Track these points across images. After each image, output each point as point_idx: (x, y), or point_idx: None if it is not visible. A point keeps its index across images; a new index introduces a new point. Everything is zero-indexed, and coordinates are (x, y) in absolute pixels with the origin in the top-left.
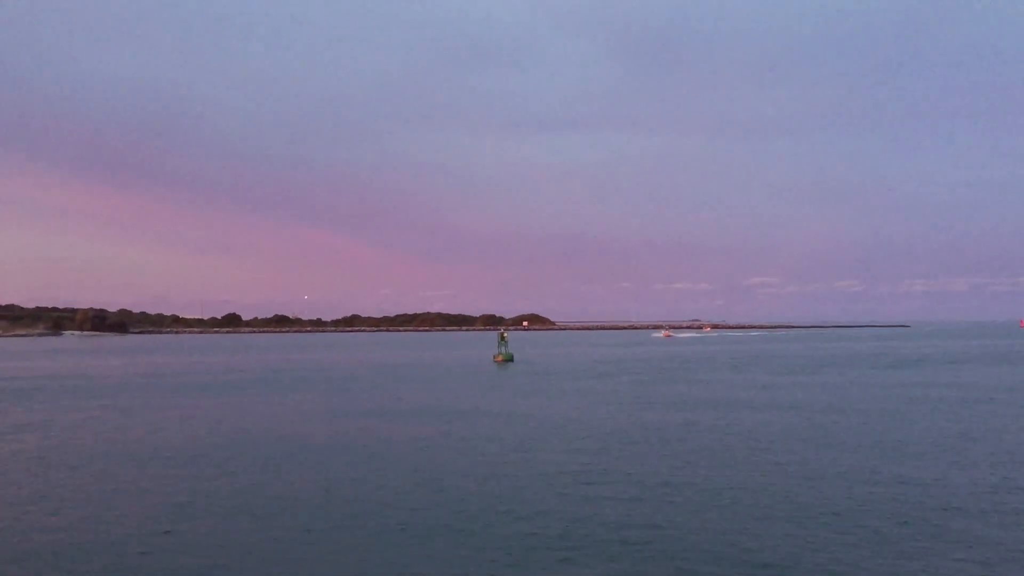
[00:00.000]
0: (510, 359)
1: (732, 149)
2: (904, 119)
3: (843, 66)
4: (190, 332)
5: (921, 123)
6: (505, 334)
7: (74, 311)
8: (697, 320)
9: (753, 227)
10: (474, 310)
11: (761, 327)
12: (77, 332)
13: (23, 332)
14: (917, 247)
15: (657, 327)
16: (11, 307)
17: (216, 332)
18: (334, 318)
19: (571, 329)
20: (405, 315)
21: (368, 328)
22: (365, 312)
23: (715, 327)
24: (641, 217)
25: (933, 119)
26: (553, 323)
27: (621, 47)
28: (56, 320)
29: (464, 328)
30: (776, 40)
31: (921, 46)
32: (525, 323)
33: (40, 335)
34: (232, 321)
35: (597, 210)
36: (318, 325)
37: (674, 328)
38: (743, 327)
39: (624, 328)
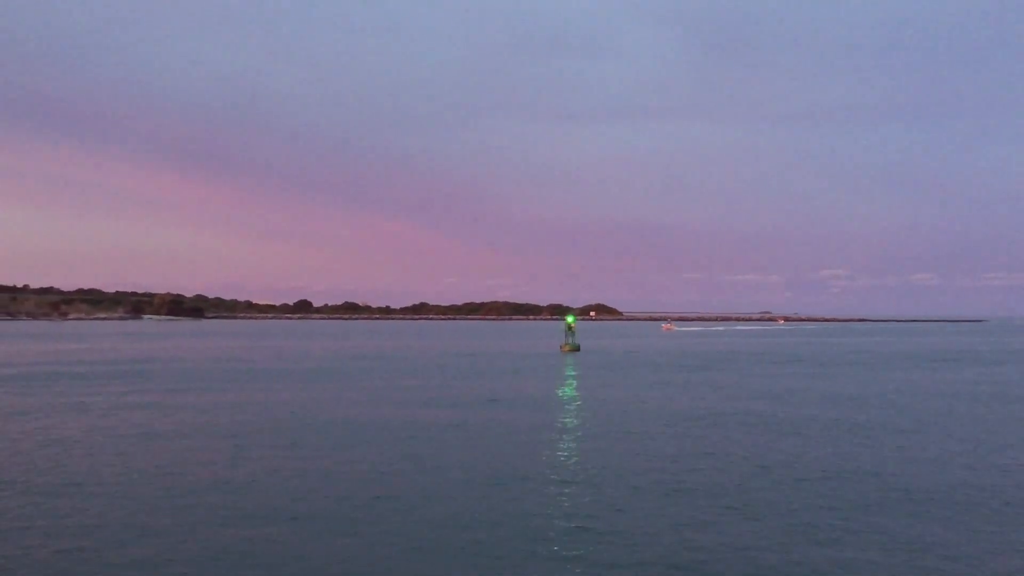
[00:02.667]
0: (577, 349)
1: (806, 139)
2: (985, 109)
3: (923, 55)
4: (263, 317)
5: (1002, 113)
6: (573, 324)
7: (152, 296)
8: (767, 312)
9: (826, 218)
10: (541, 299)
11: (833, 320)
12: (155, 316)
13: (104, 315)
14: (996, 240)
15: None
16: (93, 291)
17: (288, 318)
18: (402, 305)
19: (638, 320)
20: (472, 303)
21: (436, 316)
22: (433, 300)
23: (787, 319)
24: (711, 207)
25: (1014, 109)
26: (620, 313)
27: (694, 36)
28: (135, 304)
29: (531, 317)
30: (853, 29)
31: (1003, 35)
32: (592, 313)
33: (120, 319)
34: (303, 307)
35: (667, 200)
36: (386, 312)
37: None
38: (814, 320)
39: (692, 320)
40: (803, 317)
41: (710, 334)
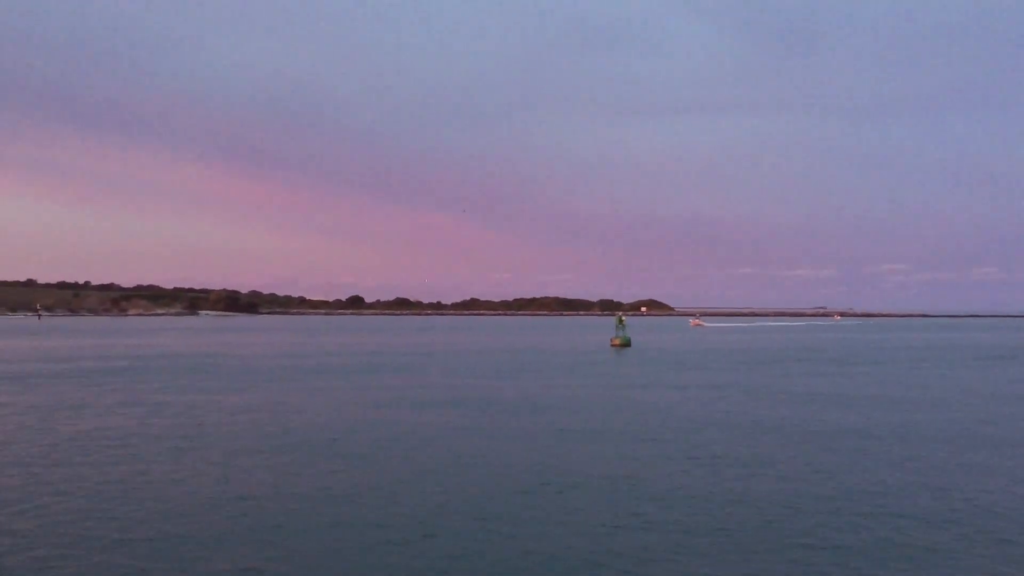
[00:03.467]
0: (627, 343)
1: (861, 131)
2: None
3: (983, 45)
4: (316, 313)
5: None
6: (623, 318)
7: (208, 292)
8: (822, 307)
9: (882, 212)
10: (591, 295)
11: (890, 315)
12: (211, 312)
13: (162, 311)
14: None
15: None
16: (152, 287)
17: (340, 313)
18: (453, 301)
19: (689, 316)
20: (523, 299)
21: (487, 312)
22: (484, 296)
23: (843, 314)
24: (764, 201)
25: None
26: (672, 309)
27: (745, 29)
28: (192, 300)
29: (581, 313)
30: (910, 18)
31: None
32: (643, 308)
33: (177, 314)
34: (355, 303)
35: (719, 195)
36: (438, 308)
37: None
38: (871, 315)
39: (744, 315)
40: (859, 312)
41: (747, 329)
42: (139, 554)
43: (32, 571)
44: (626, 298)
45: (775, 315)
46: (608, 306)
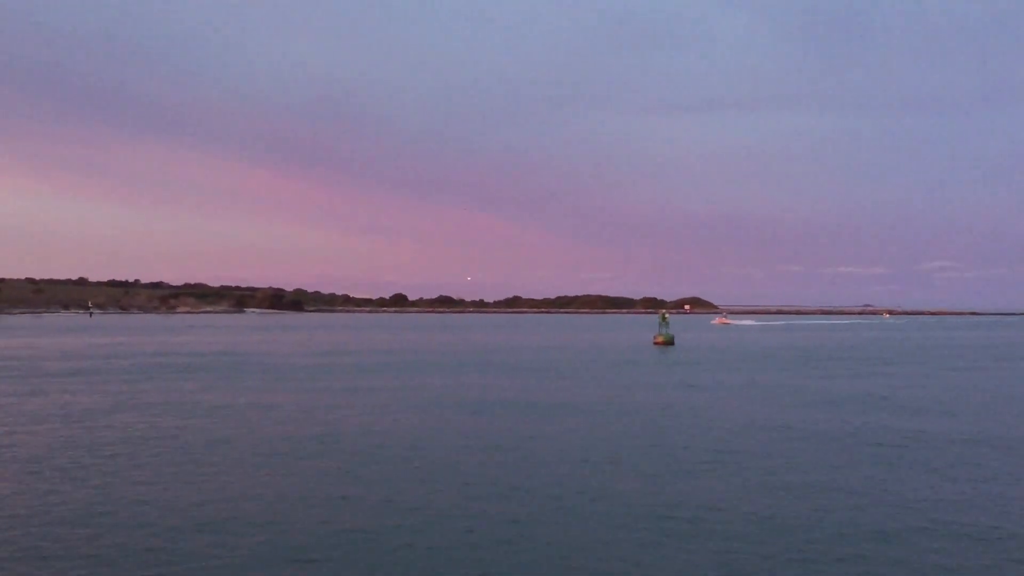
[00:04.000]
0: (670, 341)
1: (909, 125)
2: None
3: None
4: (360, 311)
5: None
6: (666, 316)
7: (255, 290)
8: (869, 305)
9: (932, 207)
10: (634, 293)
11: (940, 313)
12: (257, 310)
13: (210, 309)
14: None
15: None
16: (199, 285)
17: (384, 311)
18: (496, 299)
19: (734, 313)
20: (566, 297)
21: (529, 309)
22: (527, 294)
23: (891, 312)
24: (810, 198)
25: None
26: (716, 307)
27: (788, 24)
28: (239, 298)
29: (624, 311)
30: (959, 11)
31: None
32: (687, 306)
33: (225, 312)
34: (399, 301)
35: (764, 191)
36: (480, 306)
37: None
38: (920, 313)
39: (789, 313)
40: (908, 310)
41: (787, 327)
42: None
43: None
44: (670, 296)
45: (820, 313)
46: (651, 304)
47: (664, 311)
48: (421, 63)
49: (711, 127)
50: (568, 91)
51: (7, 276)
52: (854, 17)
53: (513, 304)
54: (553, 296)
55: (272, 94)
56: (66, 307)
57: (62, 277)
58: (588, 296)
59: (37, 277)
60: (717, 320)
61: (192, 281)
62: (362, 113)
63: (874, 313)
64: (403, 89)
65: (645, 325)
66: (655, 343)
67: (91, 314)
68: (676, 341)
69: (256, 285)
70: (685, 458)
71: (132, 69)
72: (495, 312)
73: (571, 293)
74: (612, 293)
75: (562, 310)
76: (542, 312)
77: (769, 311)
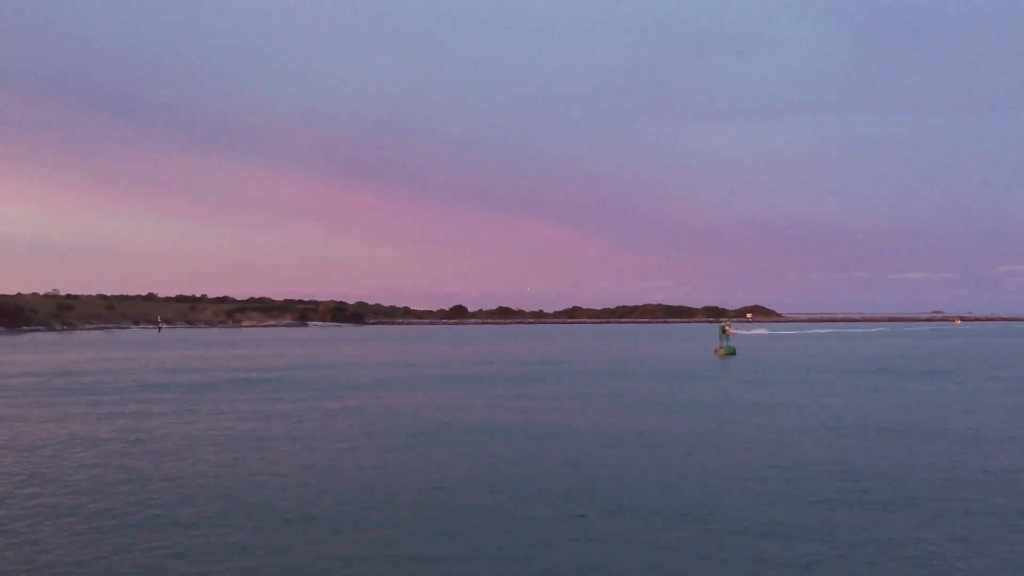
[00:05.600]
0: (732, 353)
1: (978, 128)
2: None
3: None
4: (420, 323)
5: None
6: (727, 327)
7: (317, 303)
8: (939, 311)
9: (1002, 211)
10: (695, 302)
11: (1014, 319)
12: (320, 323)
13: (273, 322)
14: None
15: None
16: (263, 299)
17: (444, 323)
18: (555, 310)
19: (798, 321)
20: (625, 307)
21: (589, 320)
22: (586, 304)
23: (963, 319)
24: (875, 203)
25: None
26: (779, 315)
27: (852, 27)
28: (302, 311)
29: (685, 320)
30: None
31: None
32: (749, 315)
33: (288, 325)
34: (458, 312)
35: (827, 197)
36: (540, 317)
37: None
38: (992, 319)
39: (856, 320)
40: (979, 316)
41: (795, 337)
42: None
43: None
44: (731, 304)
45: (888, 320)
46: (712, 313)
47: (725, 322)
48: (479, 76)
49: (773, 133)
50: (627, 99)
51: (80, 293)
52: (918, 20)
53: (573, 315)
54: (613, 306)
55: (334, 110)
56: (136, 322)
57: (132, 293)
58: (648, 306)
59: (108, 293)
60: (727, 330)
61: (256, 295)
62: (422, 127)
63: (944, 320)
64: (461, 102)
65: (706, 335)
66: (716, 354)
67: (160, 328)
68: (737, 352)
69: (318, 298)
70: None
71: (198, 88)
72: (555, 323)
73: (631, 303)
74: (672, 302)
75: (622, 320)
76: (602, 322)
77: (834, 319)
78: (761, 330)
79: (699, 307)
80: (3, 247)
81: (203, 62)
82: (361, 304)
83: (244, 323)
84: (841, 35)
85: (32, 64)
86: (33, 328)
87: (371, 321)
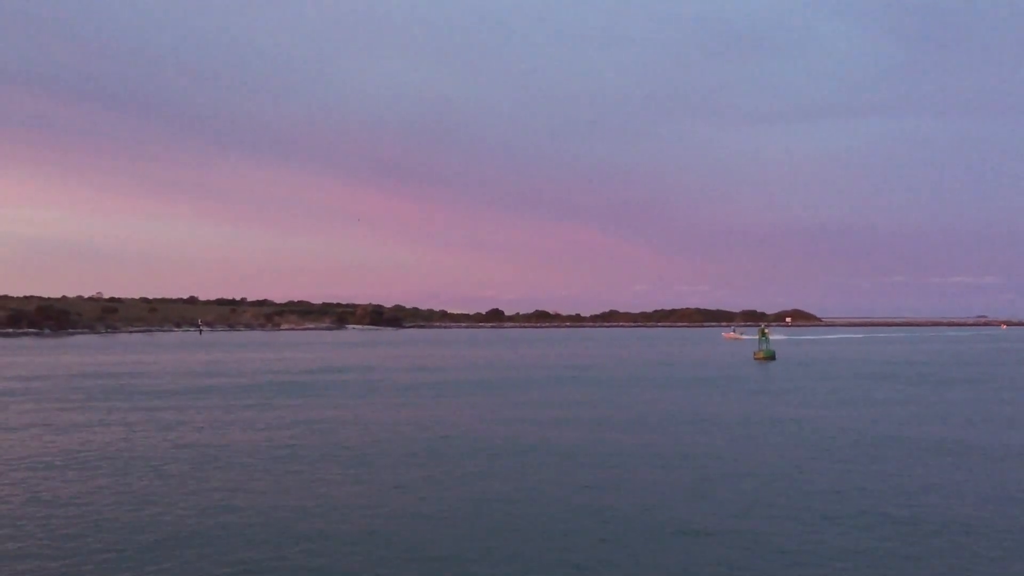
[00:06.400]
0: (771, 356)
1: (1018, 130)
2: None
3: None
4: (457, 326)
5: None
6: (766, 330)
7: (354, 306)
8: (983, 316)
9: None
10: (733, 305)
11: None
12: (358, 326)
13: (312, 326)
14: None
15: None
16: (302, 302)
17: (481, 326)
18: (592, 313)
19: (837, 326)
20: (662, 310)
21: (626, 323)
22: (623, 308)
23: (1008, 324)
24: (918, 205)
25: None
26: (819, 319)
27: (896, 27)
28: (340, 315)
29: (723, 324)
30: None
31: None
32: (788, 319)
33: (326, 328)
34: (495, 316)
35: (869, 199)
36: (576, 320)
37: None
38: None
39: (898, 324)
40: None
41: (816, 342)
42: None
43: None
44: (770, 308)
45: (932, 324)
46: (751, 316)
47: (764, 325)
48: (514, 79)
49: (812, 135)
50: (665, 102)
51: (124, 296)
52: (966, 19)
53: (610, 318)
54: (650, 310)
55: (370, 114)
56: (178, 325)
57: (174, 296)
58: (686, 309)
59: (151, 296)
60: (726, 335)
61: (295, 298)
62: (458, 130)
63: (988, 324)
64: (497, 105)
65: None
66: (755, 358)
67: (201, 331)
68: (777, 355)
69: (356, 302)
70: None
71: (236, 94)
72: (592, 326)
73: (668, 306)
74: (711, 306)
75: (659, 324)
76: (639, 326)
77: (875, 322)
78: (779, 336)
79: (737, 311)
80: (49, 251)
81: (242, 68)
82: (398, 307)
83: (283, 326)
84: (883, 36)
85: (76, 70)
86: (78, 331)
87: (408, 324)
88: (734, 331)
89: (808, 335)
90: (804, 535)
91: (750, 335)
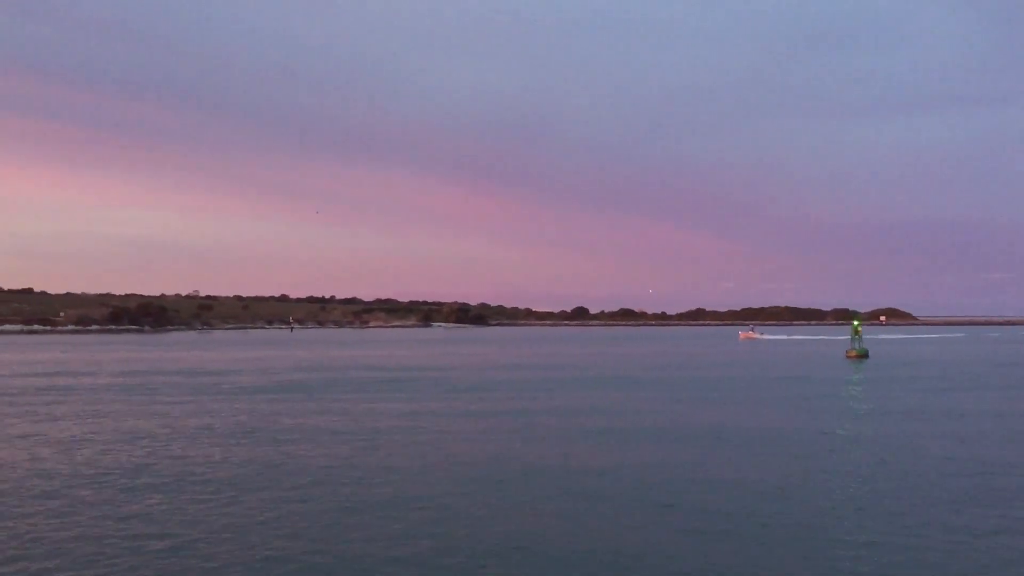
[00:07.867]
0: (864, 355)
1: None
2: None
3: None
4: (542, 324)
5: None
6: (859, 328)
7: (440, 304)
8: None
9: None
10: (824, 303)
11: None
12: (444, 324)
13: (399, 323)
14: None
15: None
16: (389, 301)
17: (565, 325)
18: (678, 311)
19: (934, 324)
20: (751, 308)
21: (713, 322)
22: (710, 306)
23: None
24: (1017, 199)
25: None
26: (915, 318)
27: (990, 17)
28: (426, 313)
29: (814, 322)
30: None
31: None
32: (882, 317)
33: (413, 326)
34: (580, 314)
35: (966, 194)
36: (662, 319)
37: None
38: None
39: (997, 323)
40: None
41: (928, 341)
42: None
43: None
44: (863, 306)
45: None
46: (842, 315)
47: (857, 322)
48: (600, 77)
49: (908, 128)
50: (753, 97)
51: (219, 294)
52: None
53: (696, 316)
54: (738, 308)
55: (457, 114)
56: (269, 322)
57: (266, 294)
58: (775, 307)
59: (244, 295)
60: (743, 335)
61: (383, 296)
62: (543, 129)
63: None
64: (583, 103)
65: (836, 336)
66: (847, 357)
67: (292, 329)
68: (870, 354)
69: (442, 300)
70: None
71: (327, 95)
72: (678, 325)
73: (756, 304)
74: (800, 304)
75: (747, 322)
76: (726, 324)
77: (975, 321)
78: (781, 336)
79: (828, 309)
80: (147, 250)
81: (330, 70)
82: (484, 305)
83: (371, 324)
84: (982, 25)
85: (173, 75)
86: (176, 328)
87: (493, 322)
88: (752, 330)
89: (901, 334)
90: None
91: (766, 335)
